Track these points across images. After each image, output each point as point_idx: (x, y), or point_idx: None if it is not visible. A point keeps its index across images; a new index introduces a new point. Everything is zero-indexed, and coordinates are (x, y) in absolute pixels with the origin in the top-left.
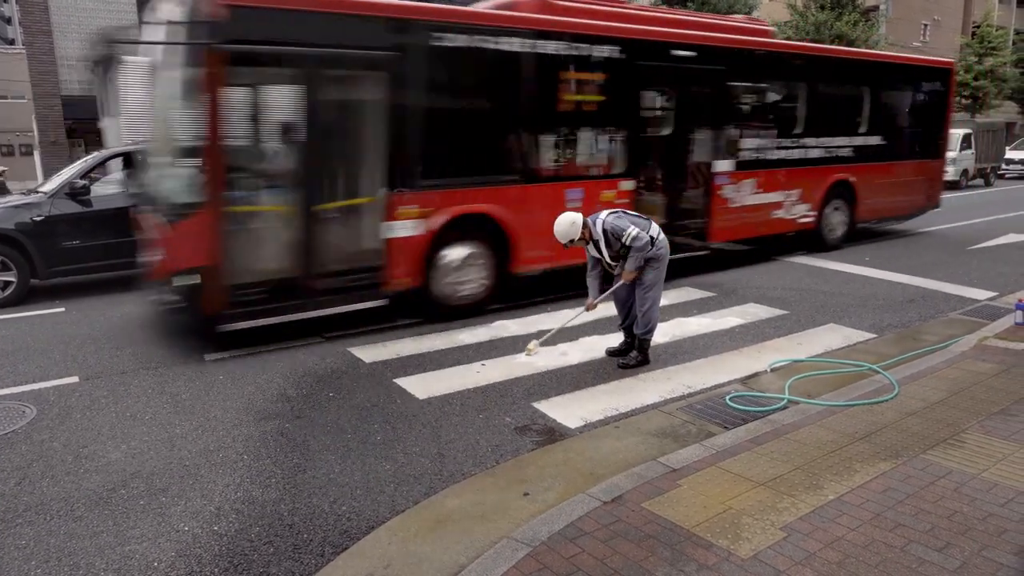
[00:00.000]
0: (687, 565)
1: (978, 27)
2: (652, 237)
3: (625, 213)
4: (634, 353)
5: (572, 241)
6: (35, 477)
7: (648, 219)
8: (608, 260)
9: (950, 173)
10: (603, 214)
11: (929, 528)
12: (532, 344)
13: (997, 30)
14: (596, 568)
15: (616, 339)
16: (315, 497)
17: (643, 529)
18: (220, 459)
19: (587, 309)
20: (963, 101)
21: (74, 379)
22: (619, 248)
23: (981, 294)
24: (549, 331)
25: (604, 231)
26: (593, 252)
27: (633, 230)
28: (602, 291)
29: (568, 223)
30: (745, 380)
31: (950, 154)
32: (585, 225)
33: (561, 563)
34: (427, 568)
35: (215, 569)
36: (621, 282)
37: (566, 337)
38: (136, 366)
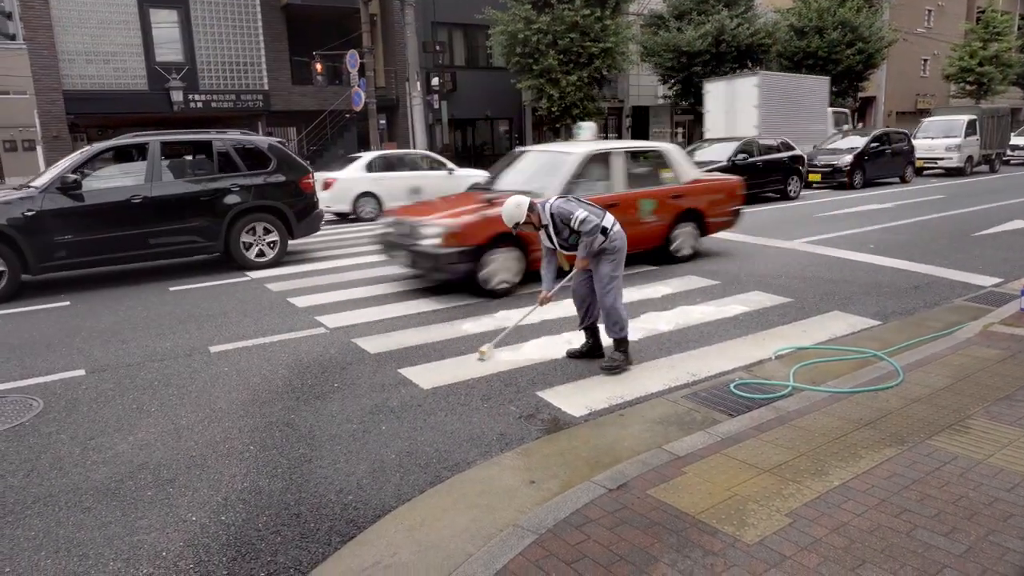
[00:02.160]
0: (693, 551)
1: (983, 12)
2: (605, 227)
3: (576, 199)
4: (615, 353)
5: (518, 225)
6: (43, 469)
7: (603, 209)
8: (560, 249)
9: (954, 160)
10: (552, 198)
11: (935, 513)
12: (486, 347)
13: (1002, 15)
14: (602, 555)
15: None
16: (321, 487)
17: (649, 516)
18: (227, 450)
19: (540, 303)
20: (968, 87)
21: (80, 372)
22: (568, 235)
23: (986, 280)
24: (506, 331)
25: (552, 215)
26: (545, 240)
27: (581, 213)
28: (555, 282)
29: (513, 206)
30: (750, 368)
31: (954, 140)
32: (532, 209)
33: (567, 550)
34: (434, 556)
35: (223, 559)
36: (575, 272)
37: (570, 326)
38: (142, 358)
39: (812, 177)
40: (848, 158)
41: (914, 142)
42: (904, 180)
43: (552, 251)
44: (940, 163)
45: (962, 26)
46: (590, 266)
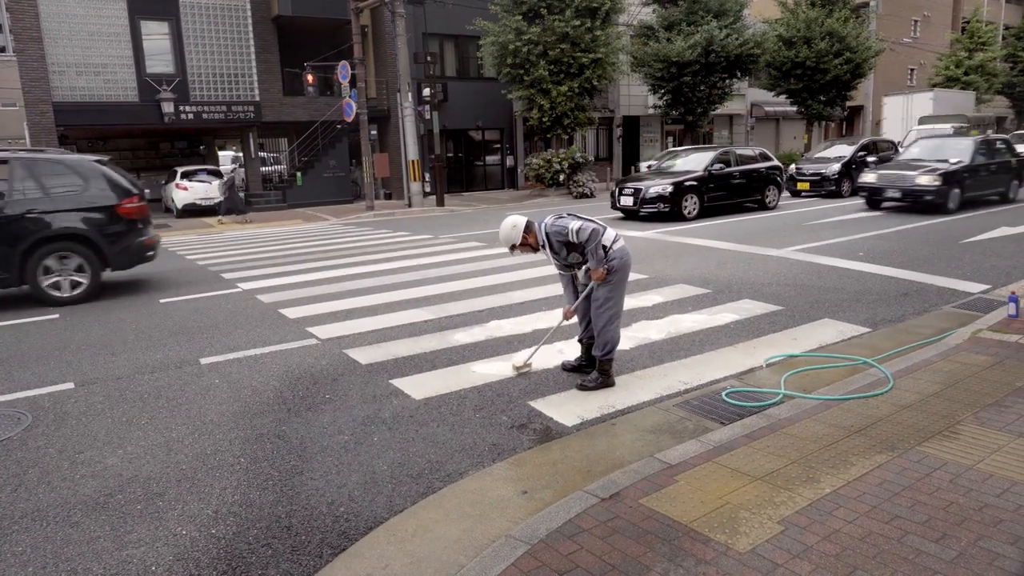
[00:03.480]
0: (685, 560)
1: (968, 23)
2: (605, 245)
3: (571, 214)
4: (594, 375)
5: (515, 247)
6: (31, 484)
7: (604, 225)
8: (561, 271)
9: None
10: (548, 218)
11: (926, 519)
12: (518, 361)
13: (987, 25)
14: (595, 565)
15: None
16: (313, 499)
17: (641, 525)
18: (217, 462)
19: (565, 317)
20: None
21: (69, 385)
22: (566, 255)
23: (974, 287)
24: (538, 343)
25: (547, 235)
26: (550, 259)
27: (575, 224)
28: (577, 295)
29: (509, 227)
30: (741, 376)
31: None
32: (530, 230)
33: (560, 560)
34: (426, 567)
35: (213, 572)
36: (592, 284)
37: (561, 336)
38: (131, 371)
39: (800, 186)
40: (836, 167)
41: (902, 150)
42: None
43: (565, 267)
44: None
45: (948, 36)
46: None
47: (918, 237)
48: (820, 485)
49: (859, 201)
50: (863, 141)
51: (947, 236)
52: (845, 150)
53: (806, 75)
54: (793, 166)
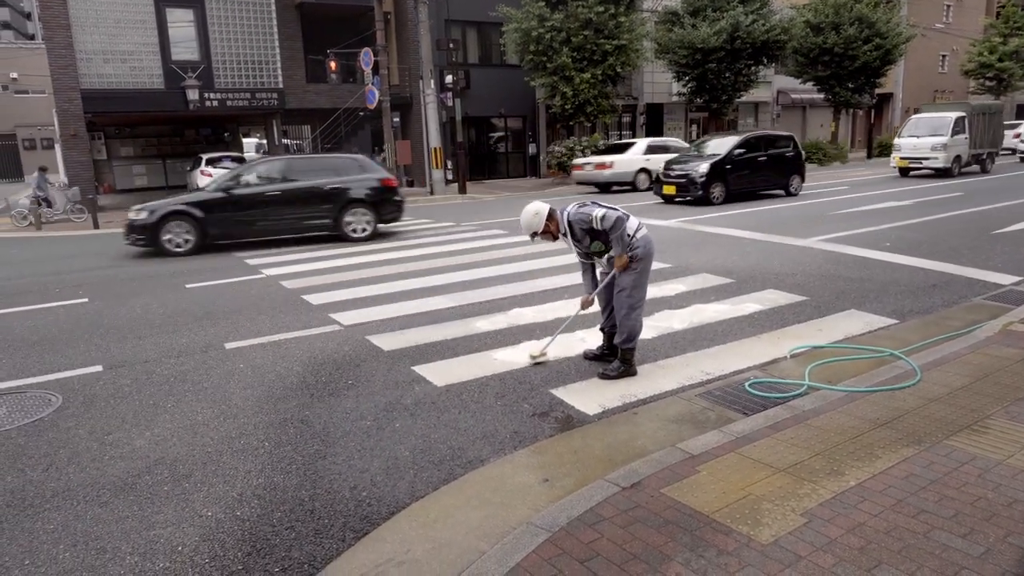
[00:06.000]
0: (707, 551)
1: (1003, 7)
2: (628, 234)
3: (594, 202)
4: (616, 363)
5: (536, 234)
6: (61, 464)
7: (627, 214)
8: (581, 259)
9: (940, 160)
10: (571, 205)
11: (953, 514)
12: (535, 350)
13: (1022, 10)
14: (615, 553)
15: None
16: (335, 483)
17: (662, 515)
18: (242, 446)
19: (583, 306)
20: (987, 83)
21: (98, 368)
22: (589, 243)
23: (1005, 279)
24: (555, 333)
25: (569, 223)
26: (571, 248)
27: (599, 211)
28: (596, 285)
29: (531, 214)
30: (764, 366)
31: (939, 139)
32: (552, 217)
33: (580, 548)
34: (447, 553)
35: (238, 553)
36: (614, 272)
37: (583, 324)
38: (158, 355)
39: (667, 190)
40: (703, 167)
41: (899, 140)
42: (790, 193)
43: (586, 255)
44: (925, 163)
45: (982, 21)
46: (615, 271)
47: (947, 227)
48: (845, 478)
49: (739, 211)
50: (748, 135)
51: (977, 227)
52: (722, 146)
53: (834, 62)
54: (662, 164)
